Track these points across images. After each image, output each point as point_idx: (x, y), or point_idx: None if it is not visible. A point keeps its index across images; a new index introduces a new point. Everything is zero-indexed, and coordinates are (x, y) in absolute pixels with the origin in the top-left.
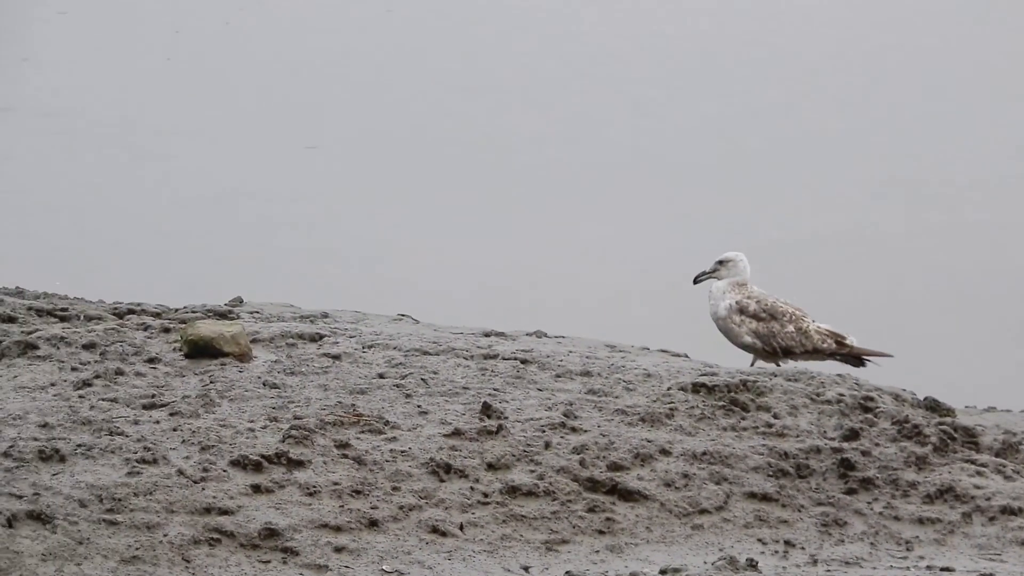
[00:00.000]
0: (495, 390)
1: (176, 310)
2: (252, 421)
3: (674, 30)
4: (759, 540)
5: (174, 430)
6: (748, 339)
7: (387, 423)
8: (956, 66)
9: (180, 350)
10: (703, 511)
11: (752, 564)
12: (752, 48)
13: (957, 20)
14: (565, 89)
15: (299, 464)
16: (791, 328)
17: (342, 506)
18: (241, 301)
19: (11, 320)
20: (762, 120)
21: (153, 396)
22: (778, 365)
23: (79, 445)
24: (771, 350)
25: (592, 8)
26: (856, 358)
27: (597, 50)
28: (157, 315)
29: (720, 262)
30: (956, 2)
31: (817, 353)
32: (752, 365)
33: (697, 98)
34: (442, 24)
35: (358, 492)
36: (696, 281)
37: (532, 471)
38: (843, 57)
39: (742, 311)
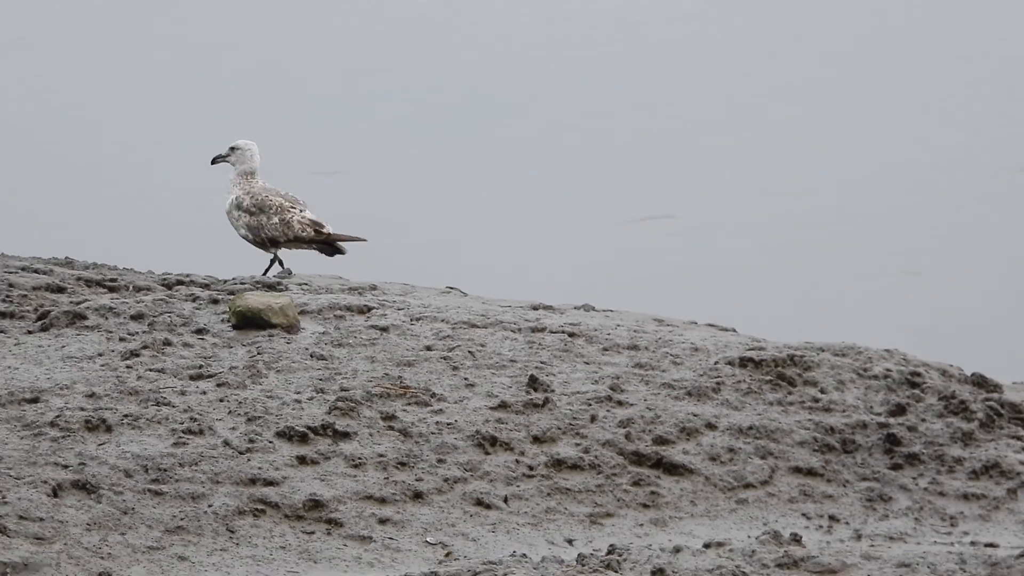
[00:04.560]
0: (542, 363)
1: (225, 281)
2: (299, 392)
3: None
4: (803, 515)
5: (220, 401)
6: (243, 231)
7: (433, 395)
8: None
9: (228, 321)
10: (748, 485)
11: (796, 539)
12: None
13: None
14: (609, 61)
15: (345, 436)
16: (276, 220)
17: (387, 478)
18: (290, 273)
19: (60, 290)
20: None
21: (200, 367)
22: (271, 253)
23: (125, 415)
24: (260, 241)
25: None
26: (333, 244)
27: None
28: (206, 286)
29: (232, 148)
30: None
31: (299, 241)
32: (268, 272)
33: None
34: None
35: (403, 464)
36: (213, 163)
37: (577, 444)
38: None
39: (239, 207)
